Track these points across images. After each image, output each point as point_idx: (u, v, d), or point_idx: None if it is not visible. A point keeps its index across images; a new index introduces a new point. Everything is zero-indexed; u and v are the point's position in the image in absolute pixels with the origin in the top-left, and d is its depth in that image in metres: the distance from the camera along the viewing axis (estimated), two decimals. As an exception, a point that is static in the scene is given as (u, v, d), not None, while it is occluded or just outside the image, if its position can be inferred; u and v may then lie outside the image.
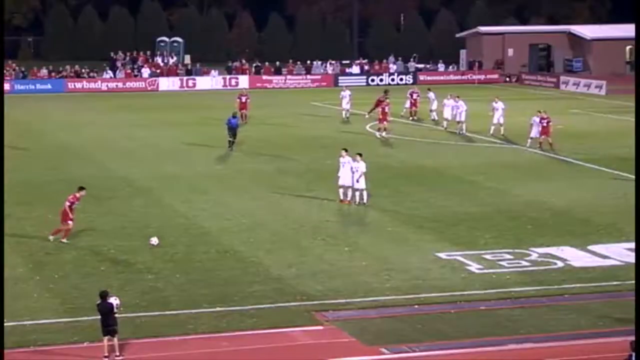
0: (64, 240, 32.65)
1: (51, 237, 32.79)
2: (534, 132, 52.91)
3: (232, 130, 52.47)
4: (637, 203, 32.32)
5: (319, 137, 57.13)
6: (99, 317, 23.11)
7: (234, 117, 53.91)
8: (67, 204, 32.92)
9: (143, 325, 25.03)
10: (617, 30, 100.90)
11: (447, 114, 60.49)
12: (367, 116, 61.76)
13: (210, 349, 23.66)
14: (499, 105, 58.01)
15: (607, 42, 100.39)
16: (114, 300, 23.11)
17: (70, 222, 32.81)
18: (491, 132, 57.44)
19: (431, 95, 65.65)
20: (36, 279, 28.96)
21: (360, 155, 39.10)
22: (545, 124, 52.54)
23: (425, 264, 30.63)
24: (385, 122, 56.28)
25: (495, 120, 57.91)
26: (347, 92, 66.36)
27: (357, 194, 38.81)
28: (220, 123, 55.22)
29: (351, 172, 38.67)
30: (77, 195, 33.22)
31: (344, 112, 65.59)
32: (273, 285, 28.35)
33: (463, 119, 58.48)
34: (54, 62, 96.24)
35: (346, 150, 39.74)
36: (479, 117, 60.99)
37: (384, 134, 56.14)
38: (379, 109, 57.02)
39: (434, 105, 64.42)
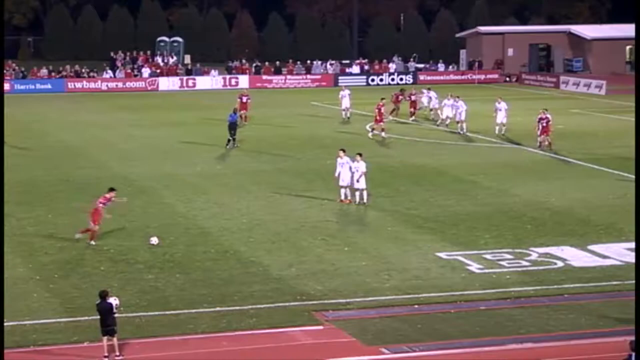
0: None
1: (93, 242, 32.36)
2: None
3: (232, 125, 52.52)
4: (637, 203, 32.36)
5: (319, 137, 57.09)
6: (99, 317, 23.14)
7: (235, 112, 54.15)
8: (100, 205, 32.66)
9: (143, 325, 25.03)
10: (617, 30, 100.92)
11: (447, 113, 60.67)
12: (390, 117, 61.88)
13: (210, 348, 23.65)
14: (502, 105, 57.93)
15: (607, 42, 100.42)
16: (113, 301, 23.11)
17: (93, 223, 32.55)
18: (496, 132, 57.38)
19: (432, 94, 65.95)
20: (36, 279, 28.95)
21: (360, 155, 39.10)
22: (544, 124, 52.52)
23: (425, 263, 30.62)
24: (381, 123, 56.24)
25: (498, 120, 57.87)
26: (347, 92, 66.34)
27: (357, 193, 38.79)
28: (220, 123, 55.30)
29: (350, 172, 38.68)
30: (107, 196, 33.01)
31: (343, 112, 65.59)
32: (273, 285, 28.34)
33: (463, 118, 58.49)
34: (54, 62, 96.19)
35: (344, 151, 39.74)
36: (479, 116, 60.98)
37: (383, 134, 56.06)
38: (375, 110, 56.90)
39: (435, 104, 64.59)
